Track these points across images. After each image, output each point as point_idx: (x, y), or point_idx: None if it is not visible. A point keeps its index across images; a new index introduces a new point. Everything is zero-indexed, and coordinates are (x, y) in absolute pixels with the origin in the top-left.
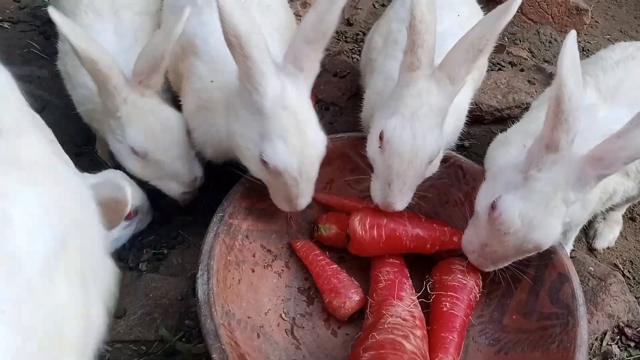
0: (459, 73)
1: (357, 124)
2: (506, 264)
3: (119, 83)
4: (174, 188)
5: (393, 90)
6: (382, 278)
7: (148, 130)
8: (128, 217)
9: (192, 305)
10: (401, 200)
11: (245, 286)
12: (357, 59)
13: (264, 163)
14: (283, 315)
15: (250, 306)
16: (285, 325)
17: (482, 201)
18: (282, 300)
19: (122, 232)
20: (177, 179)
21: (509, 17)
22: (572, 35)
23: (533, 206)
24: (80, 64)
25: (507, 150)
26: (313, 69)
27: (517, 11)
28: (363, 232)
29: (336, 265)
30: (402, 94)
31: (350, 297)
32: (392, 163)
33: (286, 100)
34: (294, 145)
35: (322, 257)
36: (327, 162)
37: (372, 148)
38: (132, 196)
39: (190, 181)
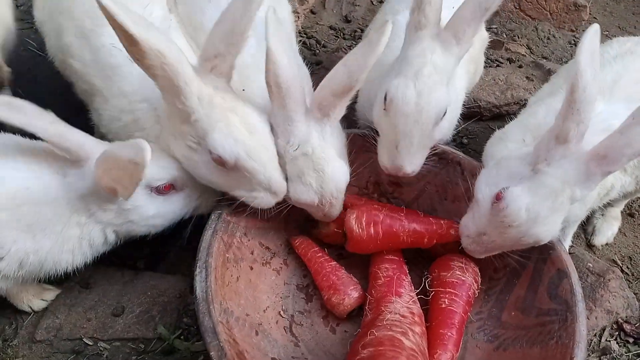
0: (465, 32)
1: (354, 120)
2: (497, 252)
3: (190, 76)
4: (266, 200)
5: (399, 54)
6: (381, 275)
7: (235, 133)
8: (164, 191)
9: (190, 303)
10: (410, 163)
11: (244, 283)
12: None
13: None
14: (282, 312)
15: (248, 303)
16: (284, 323)
17: (484, 189)
18: (281, 297)
19: (160, 208)
20: (270, 188)
21: None
22: (594, 28)
23: (540, 201)
24: (111, 72)
25: (505, 145)
26: (339, 114)
27: (516, 7)
28: (360, 231)
29: (335, 262)
30: (407, 55)
31: (349, 293)
32: (397, 123)
33: (307, 147)
34: (311, 183)
35: (320, 254)
36: None
37: (377, 112)
38: (165, 166)
39: (283, 189)
